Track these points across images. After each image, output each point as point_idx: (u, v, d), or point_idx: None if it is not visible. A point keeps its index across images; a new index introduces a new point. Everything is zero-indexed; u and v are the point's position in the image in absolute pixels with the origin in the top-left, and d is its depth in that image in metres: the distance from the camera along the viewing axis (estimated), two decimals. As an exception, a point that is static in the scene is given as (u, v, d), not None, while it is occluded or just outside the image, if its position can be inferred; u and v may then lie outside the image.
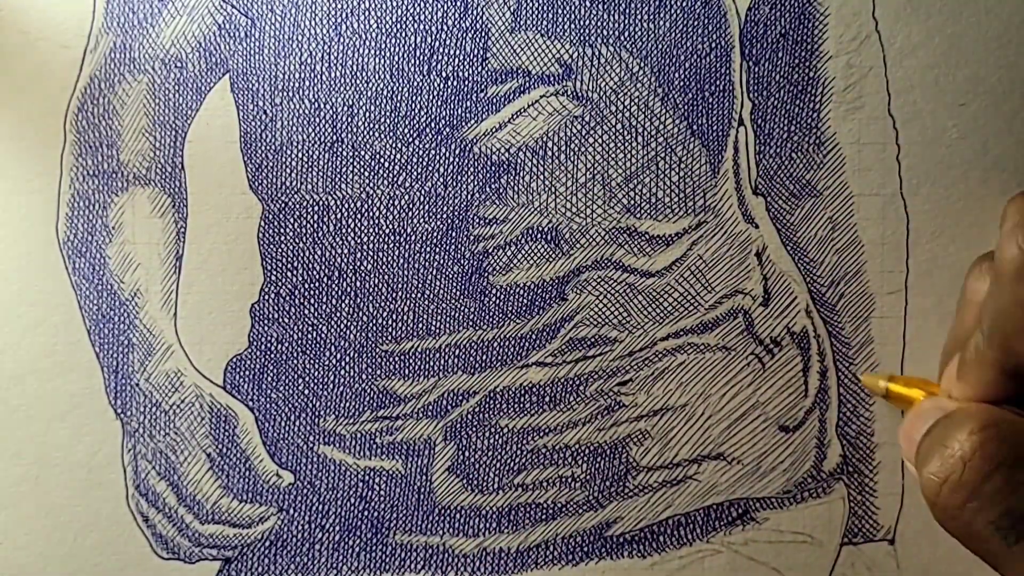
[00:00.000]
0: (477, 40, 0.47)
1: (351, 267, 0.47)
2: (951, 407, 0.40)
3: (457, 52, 0.47)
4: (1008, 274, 0.36)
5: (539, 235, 0.47)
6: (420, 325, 0.48)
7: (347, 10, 0.47)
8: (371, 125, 0.47)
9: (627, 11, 0.47)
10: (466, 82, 0.47)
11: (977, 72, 0.47)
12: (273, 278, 0.48)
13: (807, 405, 0.48)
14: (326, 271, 0.48)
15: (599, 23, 0.47)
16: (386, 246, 0.47)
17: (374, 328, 0.48)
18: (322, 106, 0.47)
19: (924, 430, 0.38)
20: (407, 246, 0.47)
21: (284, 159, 0.47)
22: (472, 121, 0.47)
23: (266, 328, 0.48)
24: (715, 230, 0.48)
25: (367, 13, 0.47)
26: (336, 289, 0.48)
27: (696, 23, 0.47)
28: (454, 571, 0.48)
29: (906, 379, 0.46)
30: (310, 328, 0.48)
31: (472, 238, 0.47)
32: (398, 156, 0.47)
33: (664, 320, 0.48)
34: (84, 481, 0.47)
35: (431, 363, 0.48)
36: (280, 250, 0.48)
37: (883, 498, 0.48)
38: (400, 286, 0.47)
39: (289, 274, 0.48)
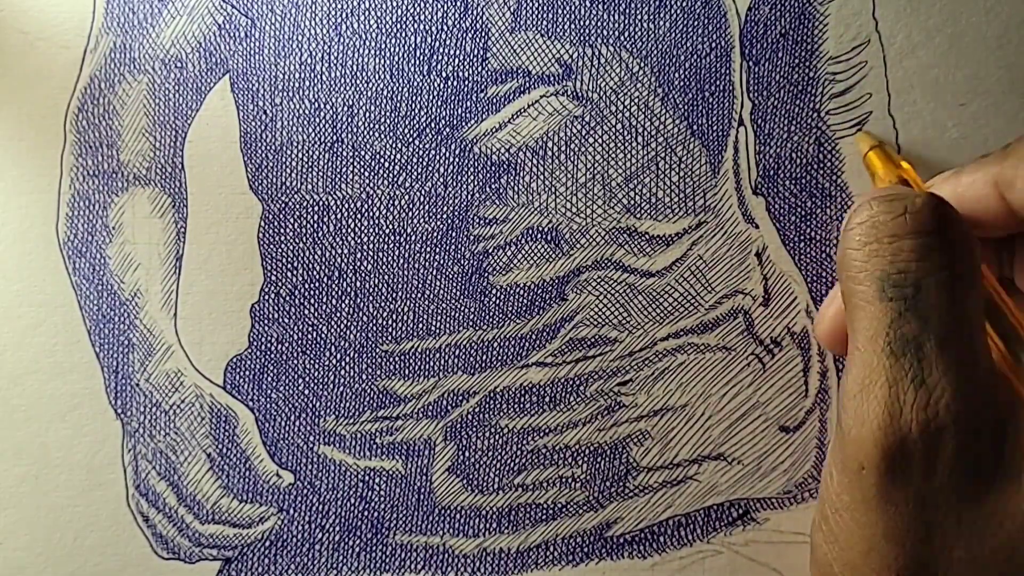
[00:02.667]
0: (477, 40, 0.47)
1: (351, 267, 0.47)
2: None
3: (457, 52, 0.47)
4: None
5: (539, 235, 0.47)
6: (420, 325, 0.48)
7: (347, 10, 0.47)
8: (371, 125, 0.47)
9: (627, 11, 0.47)
10: (466, 82, 0.47)
11: (977, 72, 0.47)
12: (273, 278, 0.48)
13: (807, 405, 0.48)
14: (326, 271, 0.48)
15: (599, 23, 0.47)
16: (386, 246, 0.47)
17: (374, 328, 0.48)
18: (322, 106, 0.47)
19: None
20: (407, 246, 0.47)
21: (284, 159, 0.47)
22: (472, 121, 0.47)
23: (266, 328, 0.48)
24: (715, 230, 0.48)
25: (367, 13, 0.47)
26: (336, 289, 0.48)
27: (696, 23, 0.47)
28: (454, 571, 0.48)
29: (885, 154, 0.45)
30: (310, 328, 0.48)
31: (472, 238, 0.47)
32: (398, 156, 0.47)
33: (664, 320, 0.48)
34: (84, 481, 0.47)
35: (431, 363, 0.48)
36: (280, 250, 0.48)
37: (883, 498, 0.48)
38: (400, 286, 0.48)
39: (289, 274, 0.48)
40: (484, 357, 0.48)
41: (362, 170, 0.47)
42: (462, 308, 0.47)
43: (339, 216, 0.47)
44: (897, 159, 0.45)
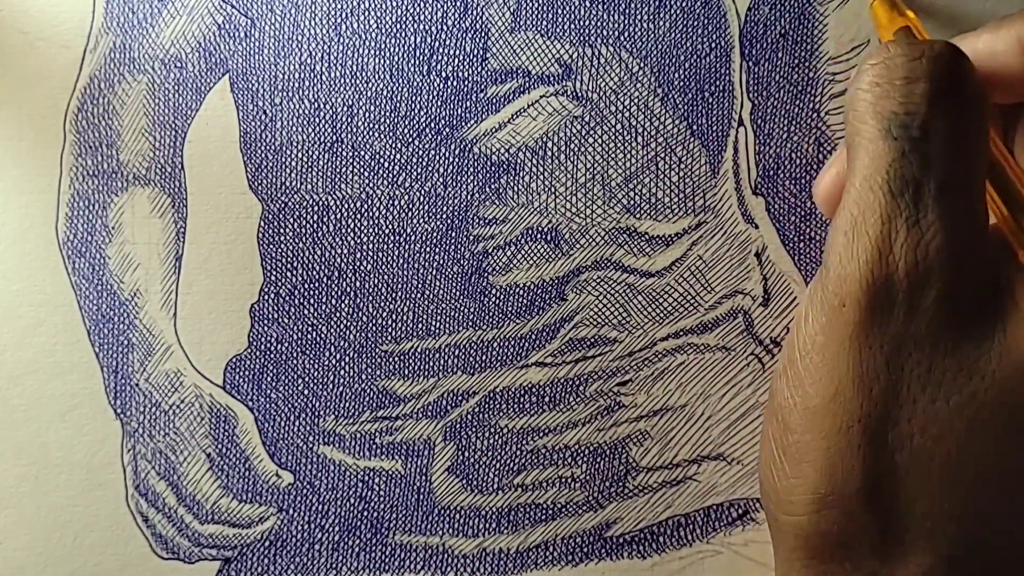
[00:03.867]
0: (477, 40, 0.47)
1: (351, 267, 0.47)
2: None
3: (457, 52, 0.47)
4: None
5: (539, 235, 0.47)
6: (420, 325, 0.48)
7: (347, 10, 0.47)
8: (371, 125, 0.47)
9: (627, 11, 0.47)
10: (466, 82, 0.47)
11: (977, 72, 0.47)
12: (273, 278, 0.48)
13: (807, 405, 0.48)
14: (326, 271, 0.48)
15: (599, 23, 0.47)
16: (386, 246, 0.47)
17: (374, 328, 0.48)
18: (322, 106, 0.47)
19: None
20: (407, 246, 0.47)
21: (284, 159, 0.47)
22: (472, 121, 0.47)
23: (266, 328, 0.48)
24: (715, 230, 0.48)
25: (367, 13, 0.47)
26: (336, 289, 0.48)
27: (696, 23, 0.47)
28: (454, 571, 0.48)
29: (896, 5, 0.44)
30: (310, 328, 0.48)
31: (472, 238, 0.47)
32: (398, 156, 0.47)
33: (664, 320, 0.48)
34: (84, 481, 0.47)
35: (431, 363, 0.48)
36: (280, 250, 0.48)
37: (883, 499, 0.48)
38: (400, 286, 0.48)
39: (289, 274, 0.48)
40: (484, 357, 0.48)
41: (362, 170, 0.47)
42: (462, 308, 0.47)
43: (339, 216, 0.47)
44: (902, 7, 0.44)
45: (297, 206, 0.47)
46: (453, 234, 0.47)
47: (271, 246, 0.48)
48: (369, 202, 0.47)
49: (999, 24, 0.40)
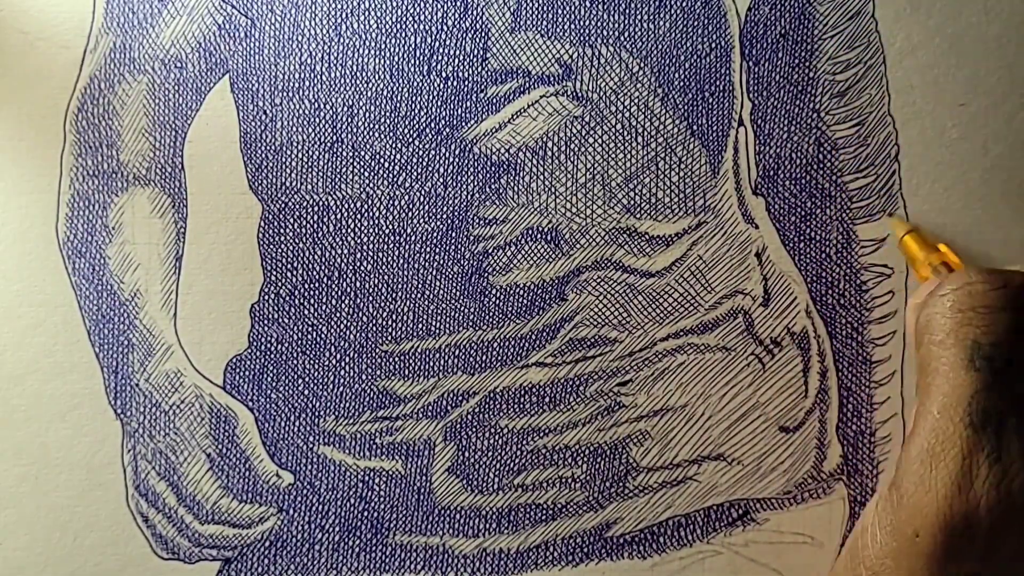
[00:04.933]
0: (477, 40, 0.47)
1: (351, 267, 0.47)
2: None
3: (457, 52, 0.47)
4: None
5: (539, 235, 0.47)
6: (420, 325, 0.48)
7: (347, 10, 0.47)
8: (371, 125, 0.47)
9: (627, 11, 0.47)
10: (466, 82, 0.47)
11: (977, 72, 0.47)
12: (273, 278, 0.48)
13: (807, 406, 0.48)
14: (326, 271, 0.48)
15: (599, 23, 0.47)
16: (386, 246, 0.47)
17: (374, 328, 0.48)
18: (322, 106, 0.47)
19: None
20: (407, 246, 0.47)
21: (284, 159, 0.47)
22: (472, 121, 0.47)
23: (266, 328, 0.48)
24: (715, 230, 0.48)
25: (367, 13, 0.47)
26: (336, 289, 0.48)
27: (696, 23, 0.47)
28: (454, 571, 0.48)
29: (925, 237, 0.45)
30: (310, 328, 0.48)
31: (472, 238, 0.47)
32: (398, 156, 0.47)
33: (664, 320, 0.48)
34: (84, 481, 0.47)
35: (431, 363, 0.48)
36: (280, 250, 0.48)
37: (883, 499, 0.48)
38: (400, 286, 0.47)
39: (289, 274, 0.48)
40: (484, 357, 0.48)
41: (362, 170, 0.47)
42: (462, 308, 0.47)
43: (339, 216, 0.47)
44: (932, 242, 0.45)
45: (297, 206, 0.47)
46: (453, 234, 0.47)
47: (271, 246, 0.48)
48: (369, 202, 0.47)
49: None
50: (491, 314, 0.47)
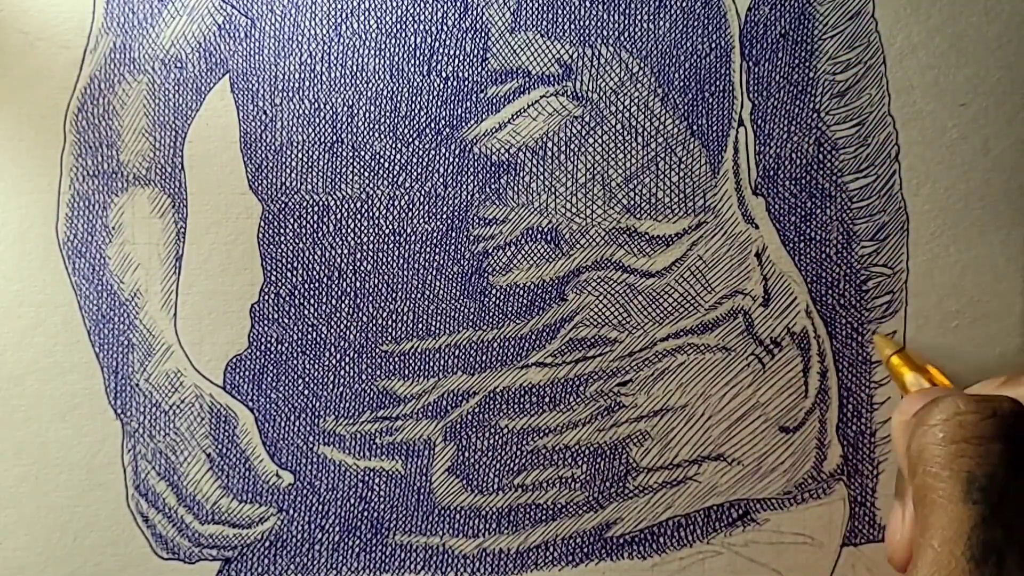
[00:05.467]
0: (477, 40, 0.47)
1: (351, 267, 0.47)
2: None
3: (457, 52, 0.47)
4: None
5: (539, 235, 0.47)
6: (420, 325, 0.48)
7: (347, 10, 0.47)
8: (371, 125, 0.47)
9: (627, 11, 0.47)
10: (466, 82, 0.47)
11: (977, 72, 0.47)
12: (273, 278, 0.48)
13: (807, 406, 0.48)
14: (326, 271, 0.48)
15: (599, 23, 0.47)
16: (386, 246, 0.47)
17: (374, 328, 0.48)
18: (322, 106, 0.47)
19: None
20: (407, 246, 0.47)
21: (284, 159, 0.47)
22: (472, 121, 0.47)
23: (266, 328, 0.48)
24: (715, 230, 0.48)
25: (367, 13, 0.47)
26: (336, 289, 0.48)
27: (696, 23, 0.47)
28: (454, 572, 0.48)
29: (912, 358, 0.46)
30: (310, 328, 0.48)
31: (472, 238, 0.47)
32: (398, 156, 0.47)
33: (664, 320, 0.48)
34: (84, 481, 0.47)
35: (431, 363, 0.48)
36: (280, 250, 0.48)
37: (884, 499, 0.48)
38: (400, 286, 0.47)
39: (289, 274, 0.48)
40: (484, 357, 0.48)
41: (362, 170, 0.47)
42: (462, 308, 0.47)
43: (339, 216, 0.47)
44: (921, 362, 0.46)
45: (297, 206, 0.47)
46: (453, 234, 0.47)
47: (271, 246, 0.48)
48: (369, 202, 0.47)
49: None
50: (491, 314, 0.47)
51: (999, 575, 0.34)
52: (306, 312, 0.48)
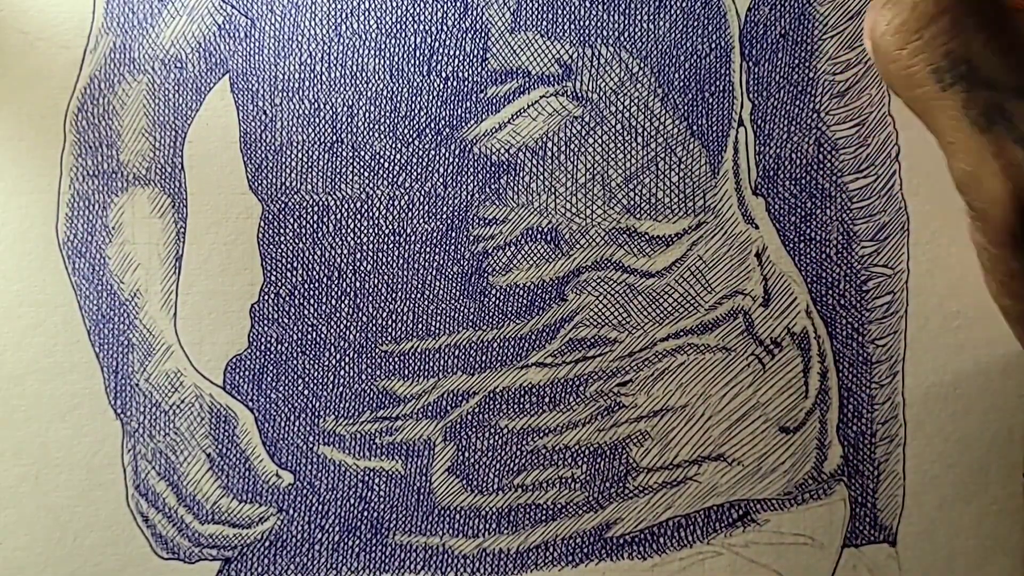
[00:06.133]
0: (477, 40, 0.47)
1: (351, 267, 0.47)
2: None
3: (457, 52, 0.47)
4: None
5: (539, 235, 0.47)
6: (420, 325, 0.48)
7: (347, 11, 0.47)
8: (371, 125, 0.47)
9: (627, 11, 0.47)
10: (466, 82, 0.47)
11: (977, 72, 0.47)
12: (273, 278, 0.48)
13: (808, 406, 0.48)
14: (326, 271, 0.48)
15: (599, 23, 0.47)
16: (386, 246, 0.47)
17: (374, 328, 0.48)
18: (322, 106, 0.47)
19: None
20: (407, 246, 0.47)
21: (284, 159, 0.47)
22: (472, 121, 0.47)
23: (266, 328, 0.48)
24: (715, 231, 0.48)
25: (367, 14, 0.47)
26: (336, 289, 0.48)
27: (696, 23, 0.47)
28: (454, 572, 0.48)
29: None
30: (310, 328, 0.48)
31: (472, 238, 0.47)
32: (398, 156, 0.47)
33: (664, 321, 0.48)
34: (84, 481, 0.47)
35: (431, 364, 0.48)
36: (280, 250, 0.48)
37: (884, 500, 0.48)
38: (400, 286, 0.48)
39: (289, 274, 0.48)
40: (484, 357, 0.48)
41: (362, 170, 0.47)
42: (462, 308, 0.47)
43: (339, 216, 0.47)
44: None
45: (297, 206, 0.47)
46: (453, 234, 0.47)
47: (271, 246, 0.48)
48: (369, 202, 0.47)
49: None
50: (491, 314, 0.47)
51: (1011, 124, 0.35)
52: (306, 312, 0.48)
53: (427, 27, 0.47)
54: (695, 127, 0.47)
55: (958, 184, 0.38)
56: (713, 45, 0.47)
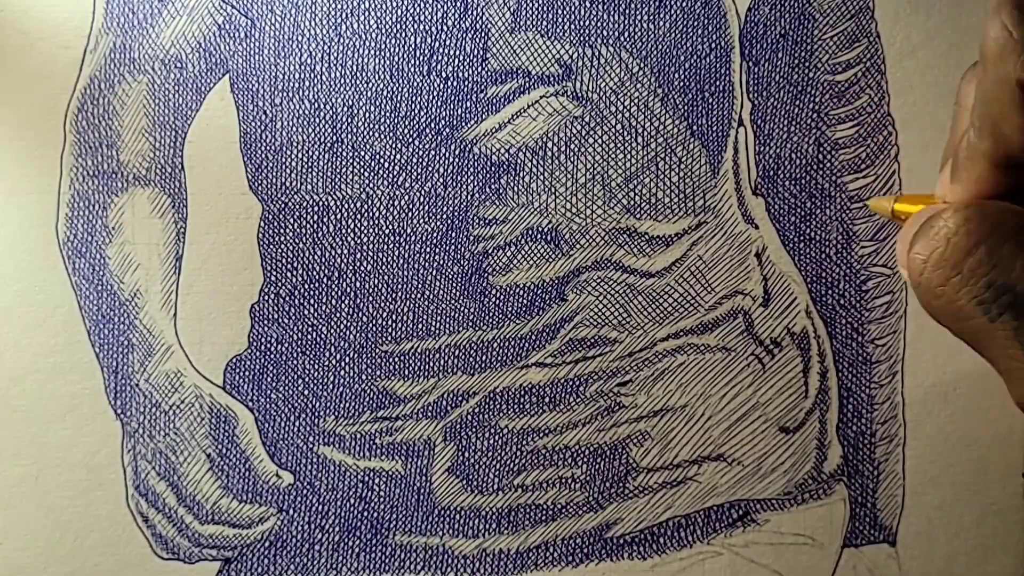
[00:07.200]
0: (477, 40, 0.47)
1: (351, 267, 0.47)
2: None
3: (457, 52, 0.47)
4: (991, 54, 0.35)
5: (539, 235, 0.47)
6: (420, 326, 0.48)
7: (347, 11, 0.47)
8: (371, 125, 0.47)
9: (627, 12, 0.47)
10: (466, 82, 0.47)
11: (977, 72, 0.47)
12: (273, 278, 0.48)
13: (807, 406, 0.48)
14: (326, 271, 0.48)
15: (599, 23, 0.47)
16: (386, 246, 0.47)
17: (374, 328, 0.48)
18: (322, 106, 0.47)
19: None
20: (407, 246, 0.47)
21: (284, 159, 0.47)
22: (472, 121, 0.47)
23: (266, 328, 0.48)
24: (715, 231, 0.48)
25: (367, 13, 0.47)
26: (336, 289, 0.48)
27: (696, 23, 0.47)
28: (454, 572, 0.48)
29: (911, 197, 0.45)
30: (310, 328, 0.48)
31: (472, 238, 0.47)
32: (398, 156, 0.47)
33: (664, 321, 0.48)
34: (84, 481, 0.47)
35: (431, 364, 0.48)
36: (280, 250, 0.48)
37: (884, 500, 0.48)
38: (400, 286, 0.47)
39: (289, 274, 0.48)
40: (484, 357, 0.48)
41: (362, 170, 0.47)
42: (462, 308, 0.47)
43: (339, 216, 0.47)
44: (925, 196, 0.45)
45: (297, 206, 0.47)
46: (453, 234, 0.47)
47: (271, 246, 0.48)
48: (369, 202, 0.47)
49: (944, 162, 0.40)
50: (491, 314, 0.47)
51: None
52: (306, 312, 0.48)
53: (427, 27, 0.47)
54: (695, 127, 0.48)
55: (1021, 408, 0.37)
56: (713, 45, 0.47)
